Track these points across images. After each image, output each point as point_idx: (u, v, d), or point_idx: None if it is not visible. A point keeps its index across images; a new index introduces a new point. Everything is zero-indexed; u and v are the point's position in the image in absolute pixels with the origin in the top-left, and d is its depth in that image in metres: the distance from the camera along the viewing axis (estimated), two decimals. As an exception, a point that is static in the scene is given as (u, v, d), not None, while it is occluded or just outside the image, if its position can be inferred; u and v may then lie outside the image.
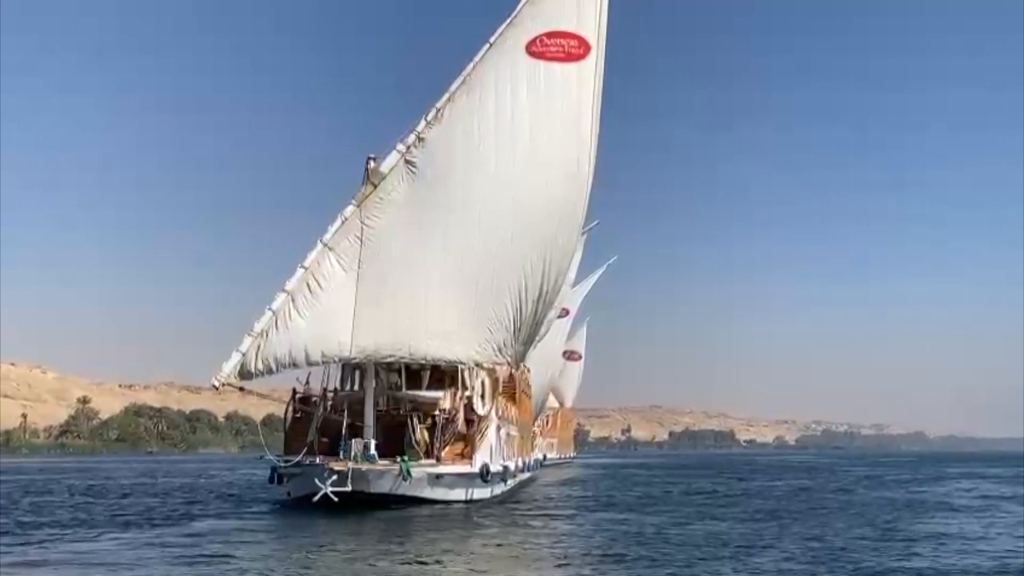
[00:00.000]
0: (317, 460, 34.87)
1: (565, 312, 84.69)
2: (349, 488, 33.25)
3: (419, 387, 42.24)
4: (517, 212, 37.98)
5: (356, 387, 41.55)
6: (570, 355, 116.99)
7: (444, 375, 41.91)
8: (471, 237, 37.60)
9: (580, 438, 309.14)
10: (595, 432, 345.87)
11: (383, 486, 34.63)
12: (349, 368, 40.73)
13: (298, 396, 40.29)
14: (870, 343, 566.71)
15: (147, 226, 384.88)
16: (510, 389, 56.77)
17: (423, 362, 38.80)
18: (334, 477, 32.95)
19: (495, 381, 53.75)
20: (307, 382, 40.77)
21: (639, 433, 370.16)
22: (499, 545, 25.10)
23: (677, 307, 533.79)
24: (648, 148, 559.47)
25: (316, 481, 33.27)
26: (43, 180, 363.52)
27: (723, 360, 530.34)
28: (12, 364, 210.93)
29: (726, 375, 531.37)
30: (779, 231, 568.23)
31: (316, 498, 32.84)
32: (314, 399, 40.08)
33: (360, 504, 33.21)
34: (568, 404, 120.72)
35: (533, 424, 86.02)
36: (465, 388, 41.98)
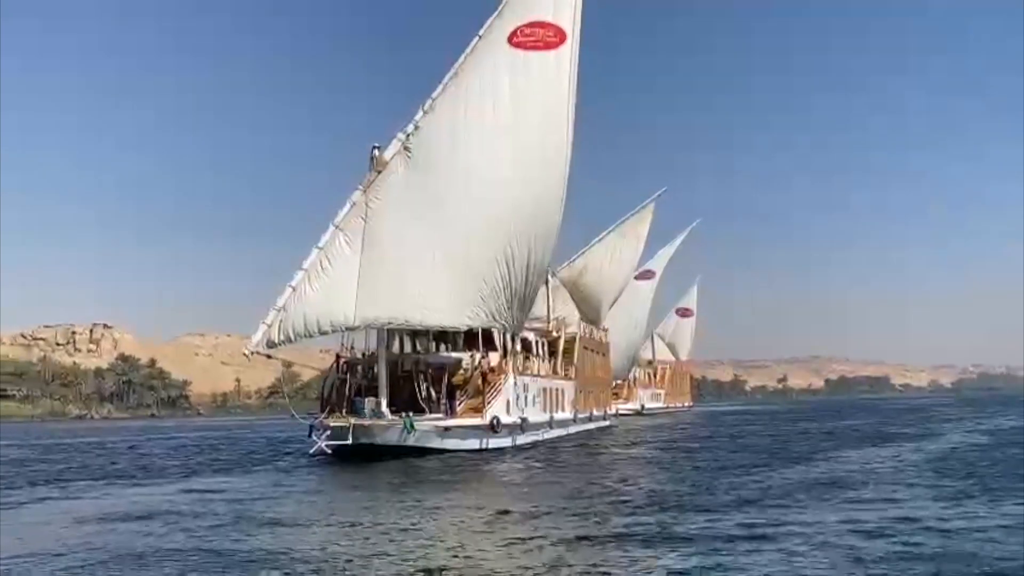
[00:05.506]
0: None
1: (650, 274, 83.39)
2: (349, 441, 34.18)
3: (454, 348, 43.05)
4: (501, 192, 38.31)
5: (393, 350, 42.57)
6: (683, 312, 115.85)
7: (477, 337, 42.43)
8: (459, 216, 37.96)
9: (737, 387, 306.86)
10: (753, 382, 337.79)
11: (390, 438, 35.43)
12: (385, 332, 41.57)
13: (342, 360, 41.65)
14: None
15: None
16: (569, 348, 57.20)
17: (419, 328, 39.45)
18: (327, 432, 33.98)
19: (550, 341, 53.97)
20: (352, 347, 41.88)
21: (795, 382, 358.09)
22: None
23: (834, 257, 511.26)
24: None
25: (313, 436, 34.45)
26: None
27: (882, 307, 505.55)
28: (228, 335, 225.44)
29: (885, 323, 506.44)
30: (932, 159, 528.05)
31: (312, 451, 33.99)
32: (357, 363, 41.35)
33: (366, 455, 34.04)
34: (684, 357, 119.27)
35: (625, 376, 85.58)
36: (495, 349, 42.39)
